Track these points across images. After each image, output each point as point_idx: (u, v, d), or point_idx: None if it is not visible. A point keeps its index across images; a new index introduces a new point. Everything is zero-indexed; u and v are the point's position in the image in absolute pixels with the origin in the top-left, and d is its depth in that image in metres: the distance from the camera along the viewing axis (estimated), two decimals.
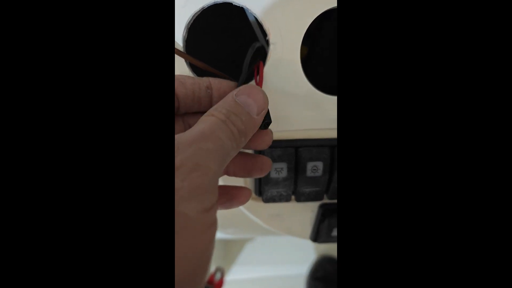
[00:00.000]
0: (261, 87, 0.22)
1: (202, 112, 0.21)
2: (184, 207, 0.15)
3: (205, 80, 0.21)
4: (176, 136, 0.17)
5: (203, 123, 0.18)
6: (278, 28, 0.22)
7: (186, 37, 0.23)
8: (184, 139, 0.16)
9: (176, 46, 0.22)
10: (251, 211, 0.30)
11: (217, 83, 0.21)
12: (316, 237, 0.32)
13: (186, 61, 0.23)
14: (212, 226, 0.16)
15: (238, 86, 0.21)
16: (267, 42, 0.23)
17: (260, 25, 0.23)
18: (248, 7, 0.22)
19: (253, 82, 0.23)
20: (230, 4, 0.22)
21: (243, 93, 0.19)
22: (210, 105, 0.21)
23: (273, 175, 0.26)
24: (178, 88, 0.20)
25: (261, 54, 0.23)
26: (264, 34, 0.23)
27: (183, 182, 0.15)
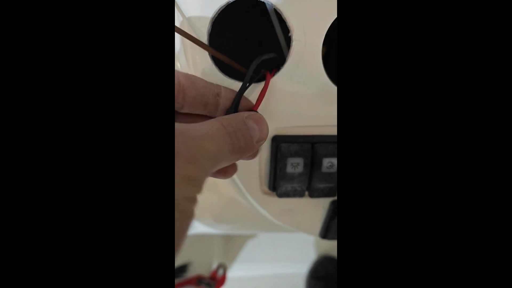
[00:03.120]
0: (263, 96, 0.23)
1: (204, 116, 0.22)
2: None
3: (217, 87, 0.22)
4: (181, 124, 0.18)
5: (210, 125, 0.19)
6: (302, 25, 0.23)
7: (210, 30, 0.23)
8: (188, 131, 0.17)
9: (200, 39, 0.23)
10: (263, 205, 0.31)
11: (227, 93, 0.22)
12: (326, 234, 0.32)
13: (209, 53, 0.23)
14: (189, 217, 0.17)
15: (237, 94, 0.22)
16: (289, 38, 0.23)
17: (282, 22, 0.24)
18: (273, 3, 0.22)
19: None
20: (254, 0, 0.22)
21: (253, 119, 0.21)
22: (216, 111, 0.22)
23: (289, 170, 0.26)
24: (189, 88, 0.21)
25: (275, 63, 0.24)
26: (286, 30, 0.24)
27: (177, 169, 0.16)
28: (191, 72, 0.24)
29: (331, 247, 0.72)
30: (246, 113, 0.21)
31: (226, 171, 0.24)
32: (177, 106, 0.21)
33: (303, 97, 0.24)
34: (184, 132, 0.17)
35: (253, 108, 0.23)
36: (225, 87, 0.22)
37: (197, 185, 0.17)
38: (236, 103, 0.22)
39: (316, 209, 0.31)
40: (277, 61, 0.24)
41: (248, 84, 0.22)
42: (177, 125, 0.17)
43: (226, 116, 0.20)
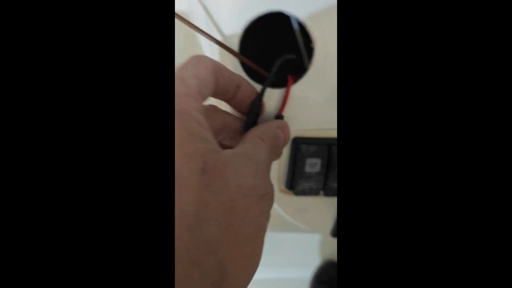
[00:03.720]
0: (286, 100, 0.25)
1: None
2: (266, 225, 0.19)
3: (238, 79, 0.23)
4: (233, 155, 0.18)
5: (253, 146, 0.20)
6: (324, 38, 0.25)
7: (241, 39, 0.25)
8: (252, 164, 0.19)
9: (232, 47, 0.25)
10: (280, 203, 0.33)
11: (246, 86, 0.23)
12: (337, 232, 0.34)
13: (239, 60, 0.26)
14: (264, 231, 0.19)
15: (261, 90, 0.24)
16: (311, 48, 0.26)
17: (306, 34, 0.26)
18: (299, 17, 0.25)
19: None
20: (282, 13, 0.25)
21: (281, 128, 0.23)
22: (233, 101, 0.23)
23: (307, 169, 0.28)
24: (218, 77, 0.22)
25: (296, 66, 0.26)
26: (308, 41, 0.26)
27: (268, 206, 0.19)
28: None
29: (335, 252, 0.74)
30: (275, 124, 0.23)
31: None
32: (209, 93, 0.22)
33: (321, 102, 0.27)
34: (227, 159, 0.18)
35: (278, 112, 0.25)
36: (245, 80, 0.24)
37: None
38: (257, 104, 0.24)
39: (329, 209, 0.33)
40: (298, 65, 0.26)
41: (271, 79, 0.24)
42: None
43: (261, 129, 0.22)
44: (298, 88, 0.26)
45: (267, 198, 0.18)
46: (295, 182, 0.29)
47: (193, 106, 0.18)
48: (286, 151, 0.29)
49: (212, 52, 0.27)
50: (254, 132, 0.22)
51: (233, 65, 0.26)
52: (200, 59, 0.20)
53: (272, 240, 0.75)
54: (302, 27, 0.26)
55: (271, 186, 0.19)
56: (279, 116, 0.26)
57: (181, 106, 0.17)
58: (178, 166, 0.16)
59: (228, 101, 0.23)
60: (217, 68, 0.21)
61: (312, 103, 0.27)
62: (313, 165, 0.28)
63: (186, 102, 0.18)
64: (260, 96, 0.24)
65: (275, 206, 0.33)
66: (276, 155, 0.23)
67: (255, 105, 0.24)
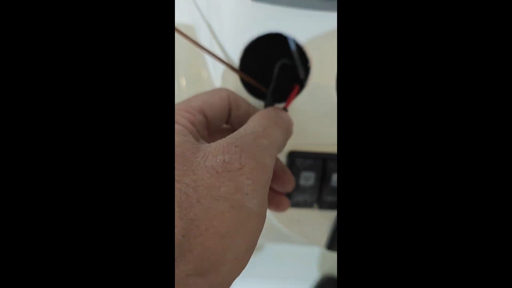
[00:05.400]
0: (293, 98, 0.26)
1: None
2: (251, 203, 0.17)
3: (253, 111, 0.23)
4: (232, 135, 0.19)
5: (253, 121, 0.20)
6: (320, 57, 0.27)
7: (241, 57, 0.27)
8: (241, 137, 0.19)
9: (233, 65, 0.27)
10: (275, 214, 0.34)
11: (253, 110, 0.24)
12: (331, 245, 0.35)
13: (239, 77, 0.27)
14: (264, 216, 0.18)
15: (267, 95, 0.26)
16: (308, 68, 0.27)
17: (302, 54, 0.27)
18: (296, 37, 0.26)
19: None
20: (280, 34, 0.26)
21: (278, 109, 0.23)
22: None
23: (302, 182, 0.29)
24: (234, 109, 0.23)
25: (292, 75, 0.28)
26: (305, 61, 0.27)
27: (248, 180, 0.17)
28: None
29: (335, 266, 0.74)
30: (277, 108, 0.23)
31: (279, 204, 0.26)
32: (216, 116, 0.22)
33: (317, 117, 0.28)
34: (237, 139, 0.18)
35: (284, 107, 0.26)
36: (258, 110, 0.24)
37: (267, 187, 0.18)
38: (268, 101, 0.25)
39: (323, 220, 0.34)
40: (294, 77, 0.28)
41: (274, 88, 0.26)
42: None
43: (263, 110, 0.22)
44: (295, 104, 0.28)
45: (245, 172, 0.17)
46: (290, 194, 0.31)
47: (183, 115, 0.20)
48: None
49: (215, 66, 0.29)
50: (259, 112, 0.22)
51: (234, 82, 0.28)
52: (218, 90, 0.22)
53: (272, 252, 0.75)
54: (299, 47, 0.27)
55: (254, 158, 0.18)
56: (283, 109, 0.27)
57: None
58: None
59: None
60: (233, 100, 0.22)
61: (308, 119, 0.28)
62: (307, 178, 0.29)
63: (178, 112, 0.20)
64: (269, 96, 0.26)
65: (270, 217, 0.34)
66: (276, 126, 0.21)
67: (267, 105, 0.25)
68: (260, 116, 0.21)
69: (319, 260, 0.75)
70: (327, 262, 0.75)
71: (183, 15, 0.31)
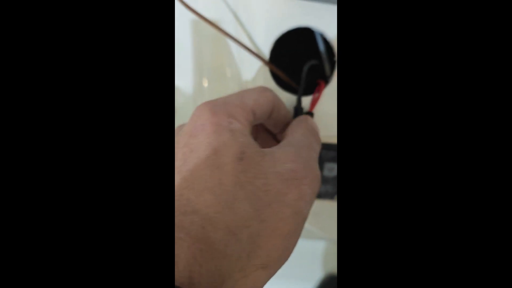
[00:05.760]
0: (315, 104, 0.27)
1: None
2: (307, 210, 0.19)
3: (290, 118, 0.25)
4: (290, 143, 0.21)
5: (298, 133, 0.22)
6: None
7: (272, 50, 0.28)
8: (300, 148, 0.20)
9: (264, 57, 0.28)
10: None
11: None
12: None
13: (269, 69, 0.28)
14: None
15: (297, 100, 0.26)
16: (334, 62, 0.28)
17: (329, 49, 0.28)
18: (324, 32, 0.27)
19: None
20: (309, 28, 0.27)
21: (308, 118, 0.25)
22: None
23: (326, 173, 0.30)
24: (274, 110, 0.24)
25: (319, 71, 0.29)
26: (332, 55, 0.28)
27: (309, 190, 0.19)
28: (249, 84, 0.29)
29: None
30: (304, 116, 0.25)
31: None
32: (261, 117, 0.23)
33: None
34: (289, 153, 0.20)
35: (309, 110, 0.27)
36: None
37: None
38: (299, 108, 0.27)
39: None
40: (321, 72, 0.29)
41: (303, 89, 0.27)
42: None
43: (296, 120, 0.24)
44: (321, 96, 0.29)
45: (307, 182, 0.19)
46: None
47: (241, 114, 0.20)
48: None
49: (241, 59, 0.30)
50: (291, 124, 0.23)
51: (263, 74, 0.28)
52: (264, 90, 0.23)
53: None
54: (326, 42, 0.28)
55: (313, 170, 0.20)
56: (309, 113, 0.28)
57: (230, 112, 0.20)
58: (219, 154, 0.18)
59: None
60: (276, 103, 0.23)
61: (332, 112, 0.29)
62: (331, 169, 0.30)
63: (235, 110, 0.20)
64: (299, 100, 0.27)
65: None
66: (315, 138, 0.23)
67: (298, 110, 0.27)
68: (303, 129, 0.23)
69: (322, 258, 0.75)
70: (332, 260, 0.75)
71: (210, 9, 0.32)
